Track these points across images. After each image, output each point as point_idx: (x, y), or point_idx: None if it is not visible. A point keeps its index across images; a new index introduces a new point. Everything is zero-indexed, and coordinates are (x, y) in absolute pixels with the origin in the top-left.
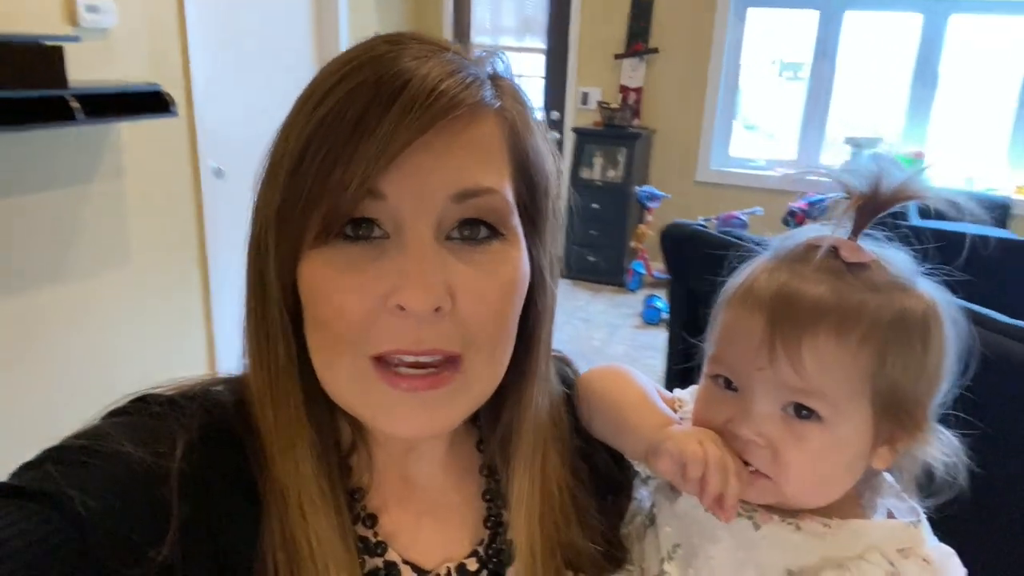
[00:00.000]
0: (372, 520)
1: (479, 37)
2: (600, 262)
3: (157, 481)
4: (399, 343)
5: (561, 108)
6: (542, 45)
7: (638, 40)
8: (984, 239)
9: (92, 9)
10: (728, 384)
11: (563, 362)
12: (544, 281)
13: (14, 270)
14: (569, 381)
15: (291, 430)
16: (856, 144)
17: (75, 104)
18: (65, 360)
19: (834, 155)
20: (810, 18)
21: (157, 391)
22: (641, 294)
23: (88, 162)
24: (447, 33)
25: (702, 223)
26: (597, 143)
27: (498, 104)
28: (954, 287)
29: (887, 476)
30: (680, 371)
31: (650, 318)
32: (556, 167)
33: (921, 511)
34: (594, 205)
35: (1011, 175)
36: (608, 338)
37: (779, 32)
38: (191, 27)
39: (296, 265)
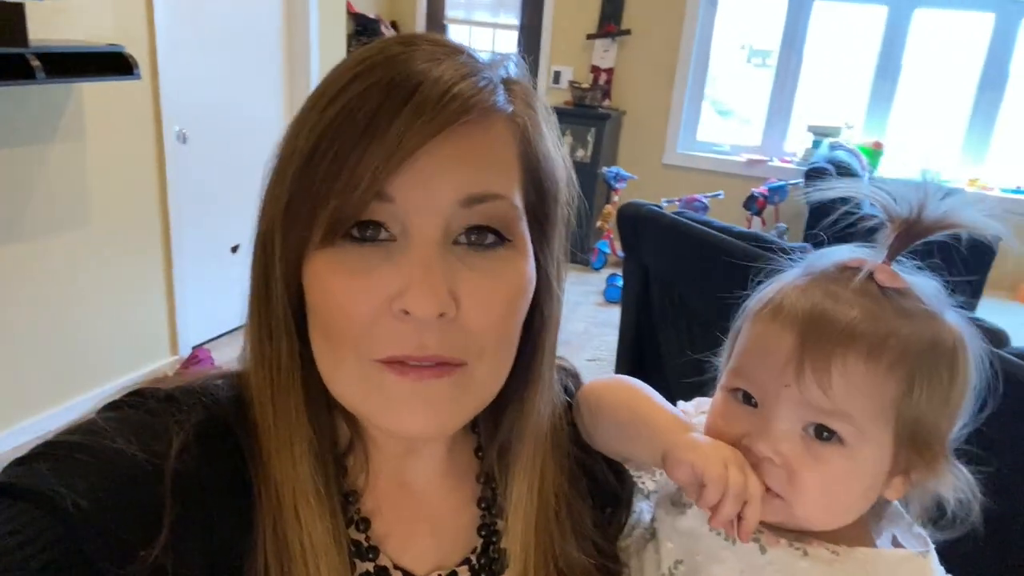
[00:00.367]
0: (365, 524)
1: (453, 12)
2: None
3: (150, 479)
4: (402, 348)
5: (533, 86)
6: (516, 22)
7: (611, 21)
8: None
9: None
10: (747, 399)
11: (568, 374)
12: (551, 288)
13: None
14: (571, 392)
15: (290, 429)
16: (819, 132)
17: (35, 63)
18: (21, 318)
19: (797, 143)
20: (779, 6)
21: (155, 386)
22: (605, 273)
23: (49, 122)
24: (421, 9)
25: (664, 204)
26: (567, 122)
27: (510, 109)
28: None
29: (897, 504)
30: (633, 340)
31: (612, 296)
32: (567, 173)
33: (930, 541)
34: (576, 191)
35: (964, 168)
36: (569, 315)
37: (749, 18)
38: None
39: (301, 265)
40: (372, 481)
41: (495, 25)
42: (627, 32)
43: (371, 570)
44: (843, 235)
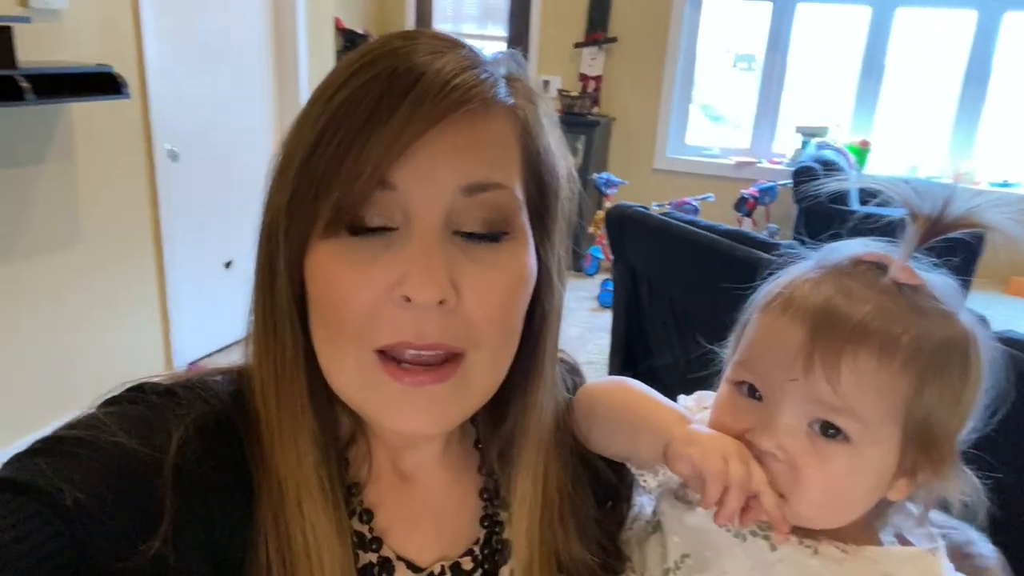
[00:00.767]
0: (368, 515)
1: (441, 24)
2: None
3: (150, 473)
4: (402, 335)
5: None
6: (503, 33)
7: (597, 29)
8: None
9: None
10: (752, 392)
11: (570, 369)
12: (551, 281)
13: None
14: (571, 388)
15: (294, 422)
16: (806, 133)
17: (25, 84)
18: (15, 339)
19: (785, 144)
20: (763, 9)
21: (155, 380)
22: (598, 278)
23: (40, 142)
24: (409, 20)
25: (654, 208)
26: None
27: (511, 101)
28: None
29: (907, 503)
30: (626, 339)
31: (605, 301)
32: (568, 169)
33: (940, 538)
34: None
35: (952, 162)
36: (564, 320)
37: (734, 23)
38: (144, 9)
39: (304, 256)
40: (375, 473)
41: (483, 37)
42: (614, 40)
43: (374, 561)
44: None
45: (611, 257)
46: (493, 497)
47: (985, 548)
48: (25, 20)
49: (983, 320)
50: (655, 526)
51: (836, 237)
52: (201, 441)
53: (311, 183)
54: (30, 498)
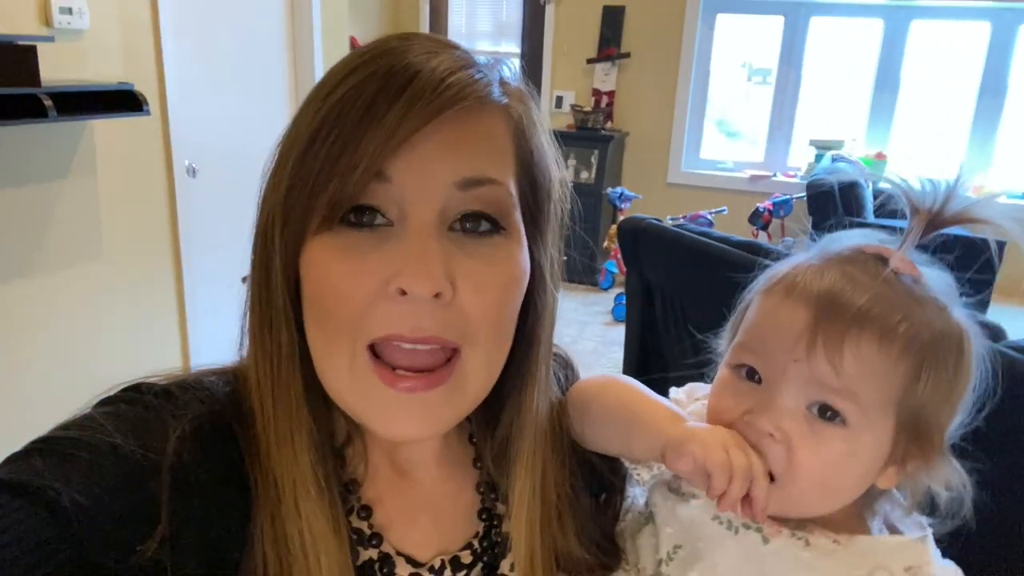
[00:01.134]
0: (367, 512)
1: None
2: (573, 262)
3: (147, 474)
4: (397, 328)
5: (535, 101)
6: (517, 50)
7: (610, 45)
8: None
9: (65, 11)
10: (751, 376)
11: (563, 364)
12: (544, 281)
13: None
14: (564, 385)
15: (290, 420)
16: (821, 146)
17: (48, 102)
18: (37, 356)
19: (800, 157)
20: (776, 23)
21: (151, 380)
22: (612, 293)
23: (62, 159)
24: None
25: (669, 222)
26: (571, 145)
27: (505, 101)
28: None
29: (895, 492)
30: (640, 351)
31: (620, 315)
32: (560, 171)
33: (927, 527)
34: (569, 192)
35: (968, 176)
36: (578, 335)
37: (748, 38)
38: (164, 30)
39: (300, 253)
40: (372, 471)
41: (497, 53)
42: (627, 55)
43: (374, 557)
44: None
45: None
46: (489, 491)
47: None
48: (49, 40)
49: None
50: (648, 518)
51: None
52: (198, 442)
53: (307, 178)
54: (27, 499)
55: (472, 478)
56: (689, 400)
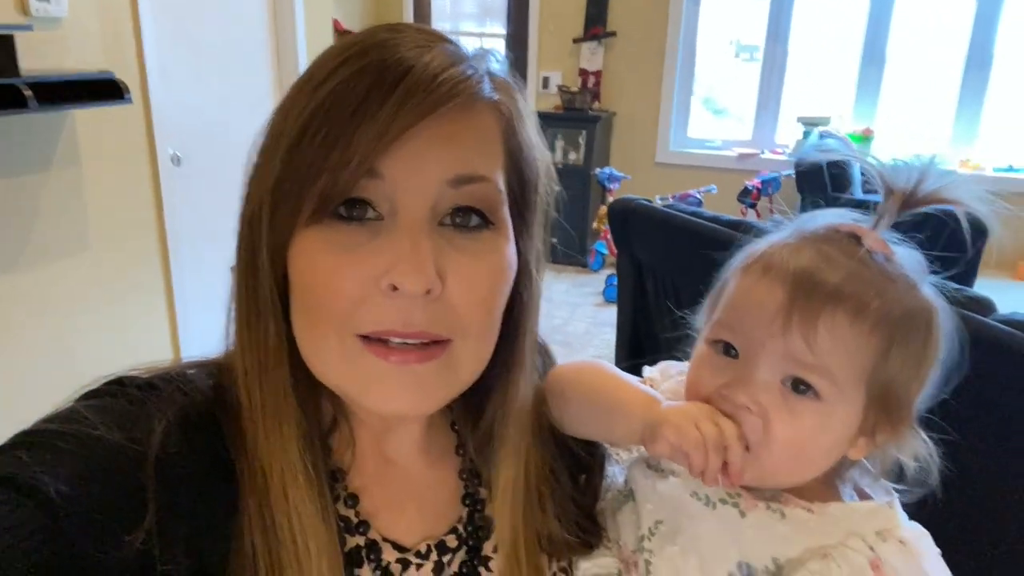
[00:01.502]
0: (353, 500)
1: (439, 23)
2: (563, 243)
3: (133, 466)
4: (388, 324)
5: (522, 93)
6: (502, 30)
7: (596, 24)
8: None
9: None
10: (728, 351)
11: (540, 351)
12: (530, 272)
13: None
14: (541, 372)
15: (277, 409)
16: (808, 123)
17: (27, 92)
18: (25, 348)
19: (787, 134)
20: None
21: (134, 373)
22: (603, 274)
23: (43, 150)
24: (408, 19)
25: (658, 201)
26: (558, 126)
27: (496, 97)
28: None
29: (864, 460)
30: (632, 332)
31: (611, 296)
32: (547, 164)
33: (894, 492)
34: (556, 188)
35: (955, 149)
36: (569, 316)
37: (734, 13)
38: (144, 16)
39: (288, 244)
40: (358, 460)
41: (482, 34)
42: (612, 34)
43: (361, 544)
44: None
45: (616, 252)
46: (472, 477)
47: None
48: (27, 28)
49: (988, 302)
50: (628, 495)
51: None
52: (183, 433)
53: (298, 170)
54: (12, 491)
55: (455, 465)
56: (663, 378)
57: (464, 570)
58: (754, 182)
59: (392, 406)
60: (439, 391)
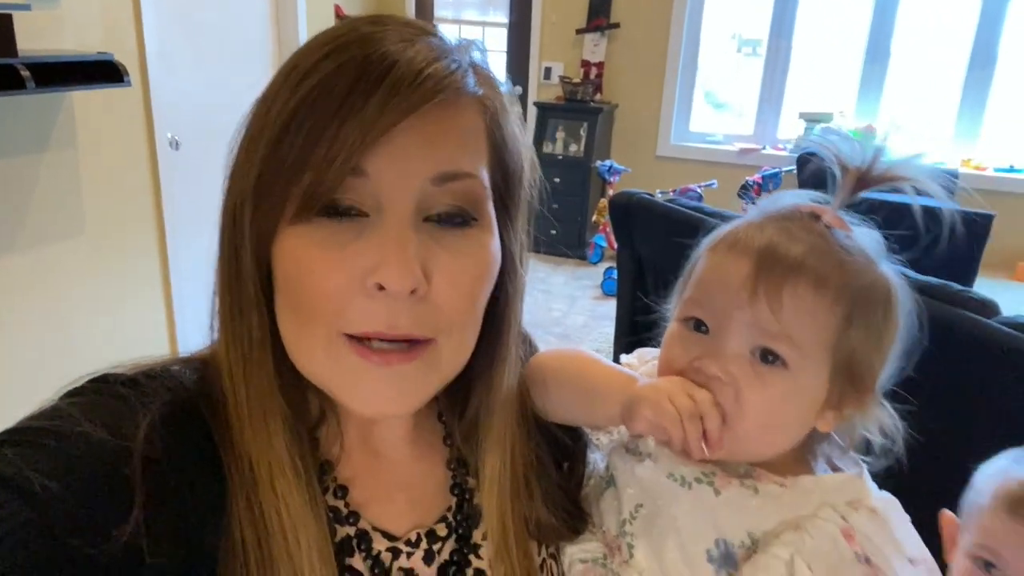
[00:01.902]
0: (343, 490)
1: (442, 11)
2: (562, 235)
3: (119, 462)
4: (374, 325)
5: (524, 83)
6: (505, 20)
7: (599, 15)
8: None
9: None
10: (698, 327)
11: (522, 340)
12: (515, 265)
13: None
14: (524, 358)
15: (263, 404)
16: (810, 119)
17: (25, 72)
18: (21, 330)
19: (789, 130)
20: None
21: (117, 371)
22: (602, 267)
23: (41, 131)
24: (410, 8)
25: (658, 195)
26: (559, 117)
27: (480, 91)
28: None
29: (834, 434)
30: (631, 326)
31: (609, 289)
32: (531, 157)
33: (863, 463)
34: (556, 179)
35: (957, 148)
36: (568, 309)
37: (738, 8)
38: None
39: (271, 240)
40: (346, 452)
41: (484, 23)
42: (616, 25)
43: (352, 534)
44: None
45: (615, 245)
46: (460, 466)
47: None
48: (25, 8)
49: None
50: (609, 481)
51: None
52: (168, 429)
53: (280, 167)
54: None
55: (443, 455)
56: (640, 363)
57: (454, 558)
58: (755, 178)
59: (374, 408)
60: (422, 390)
